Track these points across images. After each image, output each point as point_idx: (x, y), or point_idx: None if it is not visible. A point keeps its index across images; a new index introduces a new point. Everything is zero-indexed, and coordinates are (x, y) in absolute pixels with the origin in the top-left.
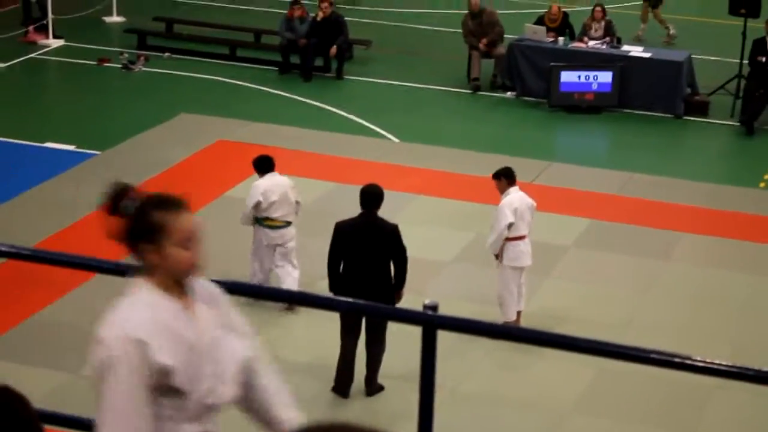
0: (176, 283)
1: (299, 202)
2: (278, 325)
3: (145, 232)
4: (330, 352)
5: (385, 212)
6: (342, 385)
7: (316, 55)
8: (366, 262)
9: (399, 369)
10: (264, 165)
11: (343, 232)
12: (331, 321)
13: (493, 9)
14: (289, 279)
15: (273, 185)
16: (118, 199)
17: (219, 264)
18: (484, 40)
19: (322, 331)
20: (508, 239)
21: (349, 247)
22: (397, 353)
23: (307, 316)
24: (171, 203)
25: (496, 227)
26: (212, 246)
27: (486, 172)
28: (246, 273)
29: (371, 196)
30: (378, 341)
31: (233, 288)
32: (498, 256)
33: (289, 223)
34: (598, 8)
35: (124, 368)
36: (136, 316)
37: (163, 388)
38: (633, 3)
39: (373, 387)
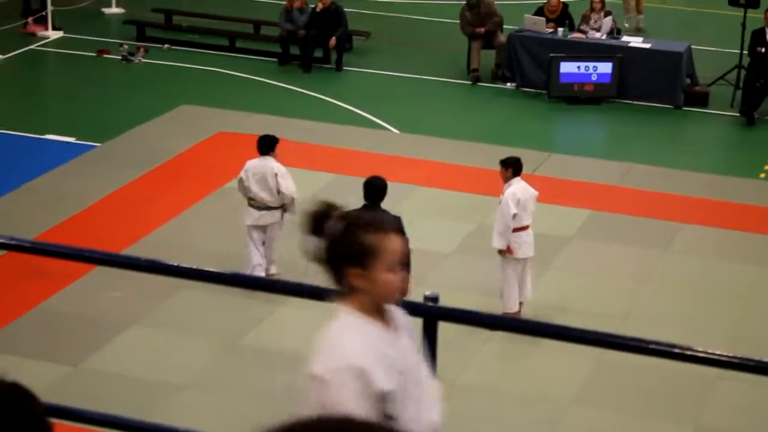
0: (378, 308)
1: (283, 193)
2: (273, 315)
3: (354, 255)
4: None
5: (385, 203)
6: None
7: (315, 46)
8: None
9: None
10: (262, 145)
11: None
12: (325, 311)
13: (490, 0)
14: (251, 265)
15: (258, 166)
16: (322, 219)
17: (219, 254)
18: (481, 29)
19: (318, 322)
20: (512, 230)
21: None
22: None
23: (304, 308)
24: (380, 225)
25: (501, 219)
26: (212, 237)
27: (486, 163)
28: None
29: (375, 189)
30: None
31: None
32: (505, 251)
33: (269, 208)
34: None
35: (352, 402)
36: (352, 344)
37: (380, 416)
38: None
39: None
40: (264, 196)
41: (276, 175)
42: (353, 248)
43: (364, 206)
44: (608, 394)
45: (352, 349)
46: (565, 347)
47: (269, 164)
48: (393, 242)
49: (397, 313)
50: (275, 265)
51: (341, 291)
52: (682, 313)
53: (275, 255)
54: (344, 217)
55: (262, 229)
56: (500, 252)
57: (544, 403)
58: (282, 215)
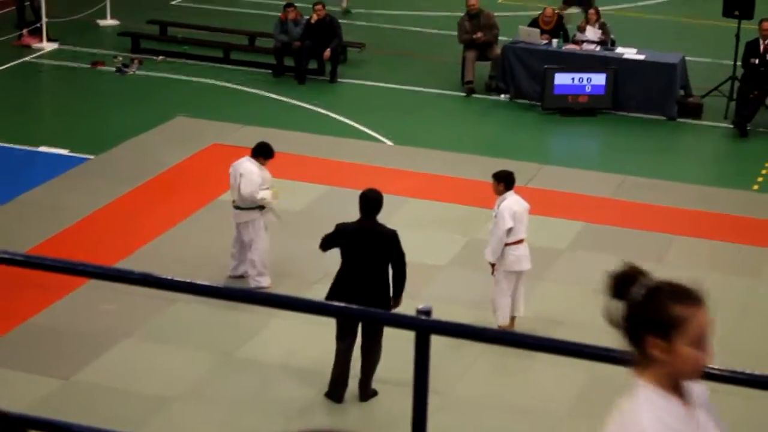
0: (676, 382)
1: (241, 193)
2: (267, 327)
3: (657, 324)
4: (320, 356)
5: (378, 216)
6: (336, 390)
7: (310, 57)
8: (364, 267)
9: (394, 373)
10: (255, 148)
11: (343, 233)
12: (319, 324)
13: (490, 11)
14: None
15: (236, 165)
16: (628, 282)
17: (214, 266)
18: (479, 34)
19: (311, 335)
20: (507, 244)
21: (348, 251)
22: (392, 356)
23: (297, 319)
24: (690, 295)
25: (496, 233)
26: (207, 249)
27: (480, 175)
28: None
29: (371, 202)
30: (374, 347)
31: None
32: (494, 265)
33: (238, 207)
34: (592, 10)
35: None
36: (650, 424)
37: None
38: (627, 5)
39: (367, 392)
40: (233, 194)
41: (241, 175)
42: (657, 317)
43: (360, 219)
44: (603, 407)
45: (648, 428)
46: (560, 360)
47: (243, 165)
48: (702, 315)
49: (696, 387)
50: (249, 266)
51: (638, 360)
52: None
53: (255, 255)
54: (652, 283)
55: (237, 227)
56: (493, 265)
57: (539, 415)
58: (259, 217)
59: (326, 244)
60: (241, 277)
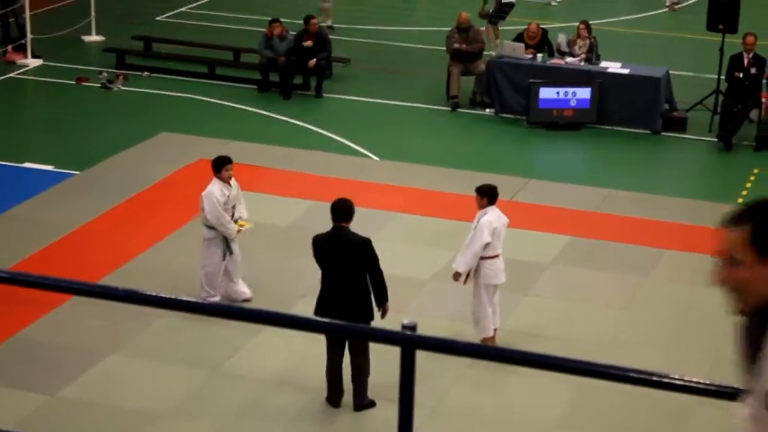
0: None
1: (208, 218)
2: (252, 342)
3: None
4: (307, 368)
5: (364, 231)
6: (331, 396)
7: (295, 73)
8: (339, 276)
9: (383, 386)
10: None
11: (317, 246)
12: (305, 338)
13: (479, 27)
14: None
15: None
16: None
17: (199, 281)
18: (464, 46)
19: (297, 349)
20: (483, 258)
21: (323, 261)
22: (381, 370)
23: (282, 334)
24: None
25: (472, 246)
26: (193, 264)
27: (465, 189)
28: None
29: (341, 209)
30: (360, 352)
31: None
32: (468, 275)
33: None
34: (582, 26)
35: None
36: None
37: None
38: (612, 18)
39: (361, 401)
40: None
41: (202, 199)
42: None
43: (332, 228)
44: (590, 420)
45: None
46: (545, 374)
47: (207, 188)
48: None
49: None
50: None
51: None
52: (663, 339)
53: (202, 273)
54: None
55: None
56: (457, 275)
57: (526, 428)
58: (213, 237)
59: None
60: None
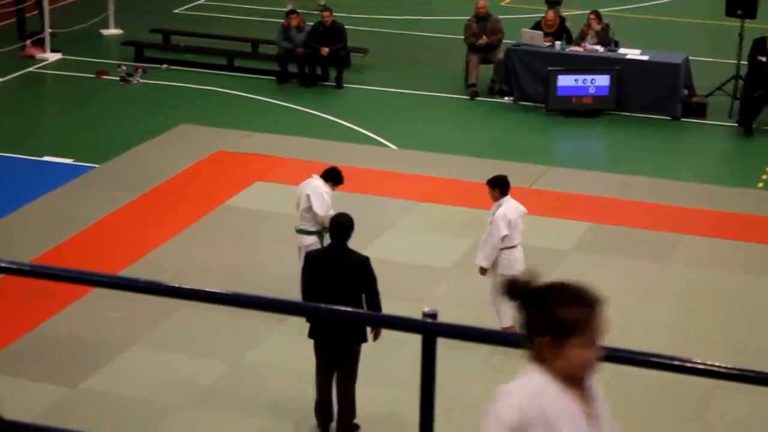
0: (570, 377)
1: (317, 214)
2: (274, 333)
3: (547, 327)
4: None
5: (384, 220)
6: (321, 423)
7: (315, 63)
8: (335, 295)
9: (401, 377)
10: (325, 173)
11: (311, 263)
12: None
13: (498, 16)
14: None
15: (303, 187)
16: (520, 287)
17: (219, 274)
18: (485, 38)
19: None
20: (501, 249)
21: (318, 279)
22: (397, 361)
23: (305, 325)
24: (580, 298)
25: (489, 241)
26: (213, 256)
27: (484, 177)
28: (248, 282)
29: (340, 228)
30: (348, 376)
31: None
32: (486, 270)
33: (300, 231)
34: (593, 16)
35: None
36: (520, 401)
37: None
38: (630, 5)
39: (347, 429)
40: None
41: (308, 195)
42: (547, 321)
43: (329, 245)
44: (612, 407)
45: (516, 406)
46: None
47: (311, 184)
48: (591, 316)
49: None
50: None
51: (534, 356)
52: (683, 325)
53: None
54: (543, 287)
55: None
56: (482, 270)
57: None
58: (314, 241)
59: (304, 282)
60: None
